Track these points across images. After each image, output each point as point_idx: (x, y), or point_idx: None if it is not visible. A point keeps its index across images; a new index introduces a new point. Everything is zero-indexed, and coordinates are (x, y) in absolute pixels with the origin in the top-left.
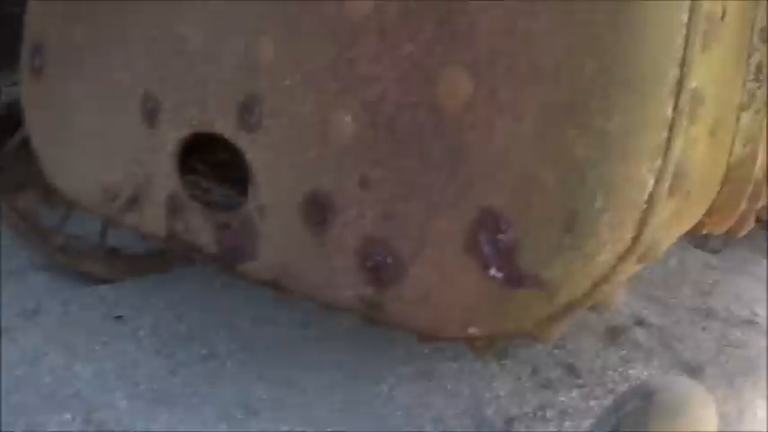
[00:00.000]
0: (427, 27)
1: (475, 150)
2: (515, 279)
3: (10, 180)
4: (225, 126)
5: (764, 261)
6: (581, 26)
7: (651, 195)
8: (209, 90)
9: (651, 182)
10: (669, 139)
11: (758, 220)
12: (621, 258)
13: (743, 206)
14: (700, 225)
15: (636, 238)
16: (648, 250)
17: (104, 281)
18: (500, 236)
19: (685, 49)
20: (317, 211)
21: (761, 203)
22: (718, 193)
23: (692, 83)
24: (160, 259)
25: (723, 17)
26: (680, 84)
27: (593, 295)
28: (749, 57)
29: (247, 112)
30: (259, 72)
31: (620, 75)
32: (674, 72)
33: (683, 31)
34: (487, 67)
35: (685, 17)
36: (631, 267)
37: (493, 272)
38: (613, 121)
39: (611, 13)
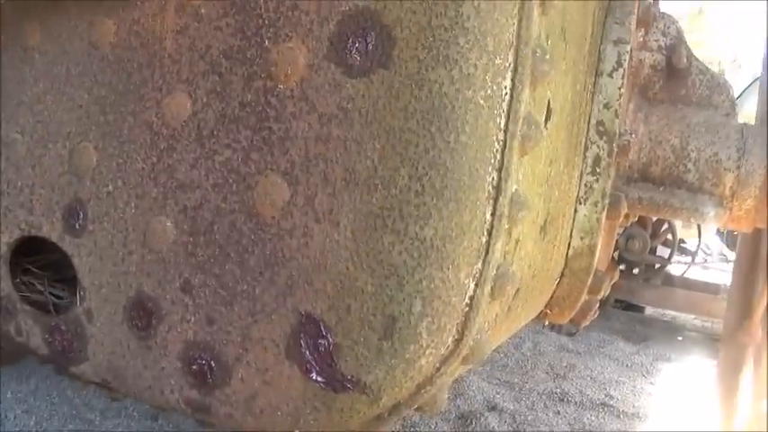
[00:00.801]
0: (244, 134)
1: (293, 256)
2: (337, 383)
3: None
4: (51, 230)
5: (620, 342)
6: (393, 133)
7: (472, 299)
8: (36, 194)
9: (471, 286)
10: (488, 243)
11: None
12: (444, 361)
13: (584, 297)
14: (542, 315)
15: (458, 341)
16: (473, 351)
17: None
18: (320, 341)
19: (503, 153)
20: (142, 314)
21: (602, 294)
22: (558, 284)
23: (512, 186)
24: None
25: (548, 118)
26: (498, 188)
27: (418, 397)
28: (586, 150)
29: (72, 216)
30: (83, 178)
31: (435, 182)
32: (491, 177)
33: (501, 135)
34: (303, 173)
35: (502, 122)
36: (456, 368)
37: (315, 376)
38: (429, 227)
39: (425, 120)
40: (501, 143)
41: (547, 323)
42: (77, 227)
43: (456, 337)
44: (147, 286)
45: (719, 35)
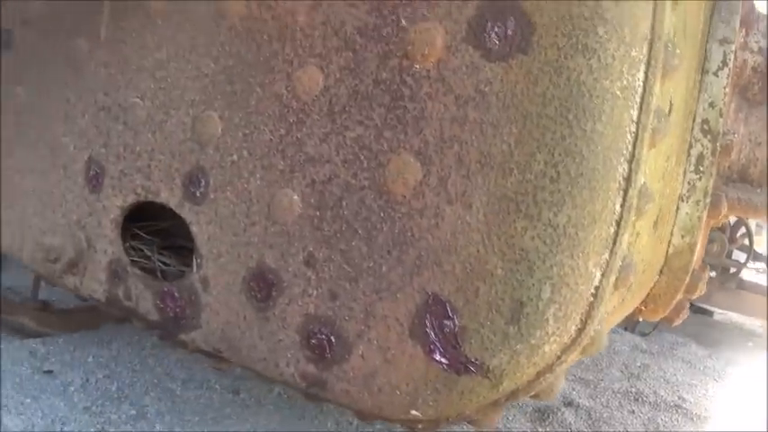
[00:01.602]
0: (377, 111)
1: (422, 236)
2: (460, 365)
3: None
4: (170, 196)
5: (692, 344)
6: (531, 118)
7: (597, 288)
8: (155, 160)
9: (598, 275)
10: (617, 234)
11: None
12: (566, 349)
13: (679, 296)
14: (636, 312)
15: (581, 330)
16: (593, 341)
17: (35, 334)
18: (446, 322)
19: (634, 145)
20: (261, 285)
21: (697, 294)
22: (656, 282)
23: (641, 179)
24: (91, 314)
25: (670, 112)
26: (628, 180)
27: (536, 384)
28: (690, 148)
29: (193, 184)
30: (206, 146)
31: (570, 169)
32: (623, 168)
33: (633, 128)
34: (437, 154)
35: (635, 114)
36: (575, 357)
37: (438, 357)
38: (563, 214)
39: (563, 107)
40: (633, 135)
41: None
42: (198, 194)
43: (579, 326)
44: (268, 258)
45: None
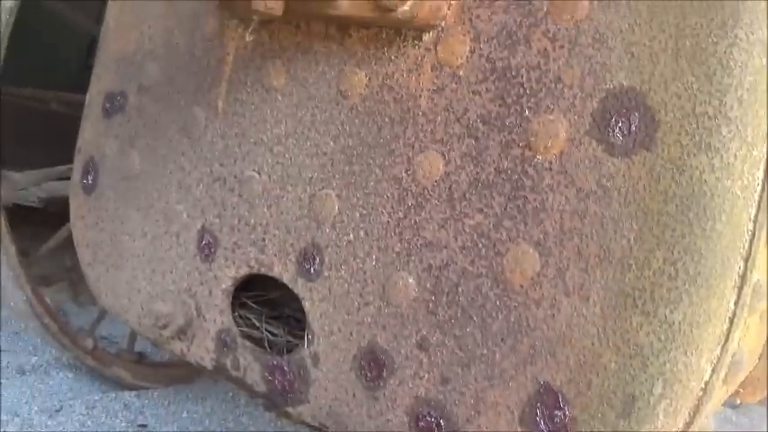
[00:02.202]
0: (498, 200)
1: (538, 326)
2: None
3: (40, 275)
4: (283, 271)
5: None
6: (652, 215)
7: (707, 384)
8: (270, 234)
9: (709, 371)
10: (729, 331)
11: None
12: None
13: None
14: (734, 395)
15: (689, 424)
16: None
17: (130, 387)
18: (557, 412)
19: (751, 243)
20: (373, 365)
21: None
22: (756, 365)
23: (756, 276)
24: (186, 368)
25: None
26: (743, 278)
27: None
28: None
29: (307, 260)
30: (322, 224)
31: (688, 267)
32: (739, 266)
33: (751, 226)
34: (556, 246)
35: (753, 212)
36: None
37: None
38: (679, 311)
39: (684, 205)
40: (750, 233)
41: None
42: (312, 271)
43: (687, 420)
44: (381, 338)
45: None
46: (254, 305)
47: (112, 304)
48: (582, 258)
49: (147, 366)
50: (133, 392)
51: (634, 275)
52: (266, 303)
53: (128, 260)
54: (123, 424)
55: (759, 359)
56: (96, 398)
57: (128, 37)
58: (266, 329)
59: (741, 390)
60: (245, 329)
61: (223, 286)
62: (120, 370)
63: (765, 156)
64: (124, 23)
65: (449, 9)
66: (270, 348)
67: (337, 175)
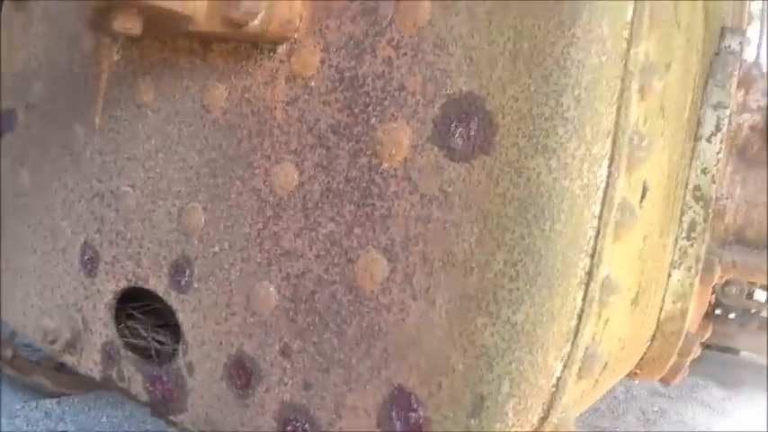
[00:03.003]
0: (348, 208)
1: (389, 330)
2: None
3: None
4: (158, 283)
5: (712, 387)
6: (491, 219)
7: (559, 380)
8: (144, 247)
9: (559, 368)
10: (578, 327)
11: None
12: None
13: (673, 359)
14: (631, 374)
15: (543, 419)
16: (557, 428)
17: (51, 394)
18: (411, 413)
19: (596, 240)
20: (241, 373)
21: (693, 356)
22: (649, 346)
23: (604, 272)
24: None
25: (643, 197)
26: (590, 274)
27: None
28: (682, 215)
29: (178, 273)
30: (191, 236)
31: (528, 268)
32: (584, 263)
33: (595, 223)
34: (403, 251)
35: (597, 209)
36: None
37: None
38: (521, 312)
39: (522, 208)
40: (595, 230)
41: None
42: (183, 283)
43: (541, 415)
44: (247, 347)
45: None
46: (140, 316)
47: (12, 319)
48: (427, 263)
49: (68, 373)
50: (54, 400)
51: (477, 278)
52: (153, 313)
53: (21, 276)
54: None
55: (653, 340)
56: (18, 407)
57: (17, 56)
58: (154, 339)
59: (638, 371)
60: (132, 340)
61: (105, 300)
62: (40, 378)
63: (609, 152)
64: (13, 43)
65: (301, 21)
66: (158, 357)
67: (203, 189)
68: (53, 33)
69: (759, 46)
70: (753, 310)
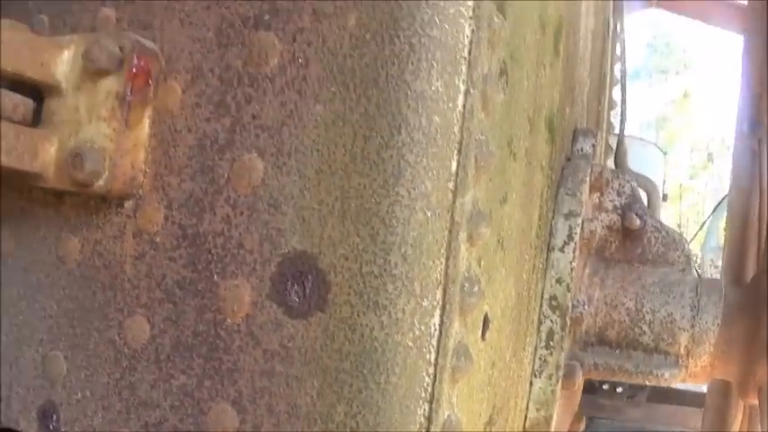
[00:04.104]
0: (197, 361)
1: None
2: None
3: None
4: (28, 427)
5: None
6: (330, 373)
7: None
8: (14, 391)
9: None
10: None
11: None
12: None
13: None
14: None
15: None
16: None
17: None
18: None
19: (433, 386)
20: None
21: None
22: None
23: (444, 413)
24: None
25: (485, 329)
26: (429, 419)
27: None
28: (540, 325)
29: (47, 417)
30: (55, 383)
31: (368, 420)
32: (422, 410)
33: (431, 370)
34: (250, 404)
35: (432, 358)
36: None
37: None
38: None
39: (358, 362)
40: (431, 377)
41: None
42: (51, 427)
43: None
44: None
45: (707, 117)
46: None
47: None
48: (273, 415)
49: None
50: None
51: (320, 429)
52: None
53: None
54: None
55: None
56: None
57: None
58: None
59: None
60: None
61: None
62: None
63: (440, 302)
64: None
65: (144, 177)
66: None
67: (63, 337)
68: None
69: (622, 116)
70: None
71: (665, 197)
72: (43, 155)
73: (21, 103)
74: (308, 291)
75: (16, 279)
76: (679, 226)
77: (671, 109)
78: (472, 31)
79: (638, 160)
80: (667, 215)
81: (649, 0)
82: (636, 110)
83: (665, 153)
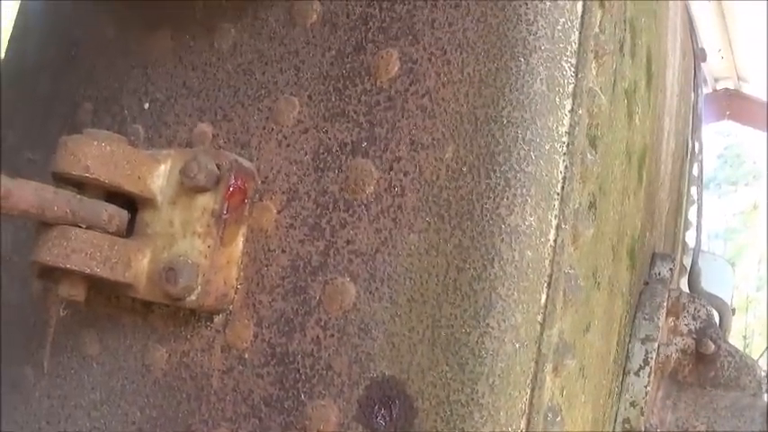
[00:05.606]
0: None
1: None
2: None
3: None
4: None
5: None
6: None
7: None
8: None
9: None
10: None
11: None
12: None
13: None
14: None
15: None
16: None
17: None
18: None
19: None
20: None
21: None
22: None
23: None
24: None
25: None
26: None
27: None
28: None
29: None
30: None
31: None
32: None
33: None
34: None
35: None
36: None
37: None
38: None
39: None
40: None
41: None
42: None
43: None
44: None
45: None
46: None
47: None
48: None
49: None
50: None
51: None
52: None
53: None
54: None
55: None
56: None
57: None
58: None
59: None
60: None
61: None
62: None
63: (524, 431)
64: None
65: (236, 294)
66: None
67: None
68: (6, 274)
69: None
70: None
71: (733, 311)
72: (136, 266)
73: (116, 215)
74: (394, 415)
75: (99, 383)
76: (744, 338)
77: (739, 220)
78: (566, 167)
79: (708, 275)
80: (733, 327)
81: (723, 114)
82: (705, 221)
83: (733, 265)
